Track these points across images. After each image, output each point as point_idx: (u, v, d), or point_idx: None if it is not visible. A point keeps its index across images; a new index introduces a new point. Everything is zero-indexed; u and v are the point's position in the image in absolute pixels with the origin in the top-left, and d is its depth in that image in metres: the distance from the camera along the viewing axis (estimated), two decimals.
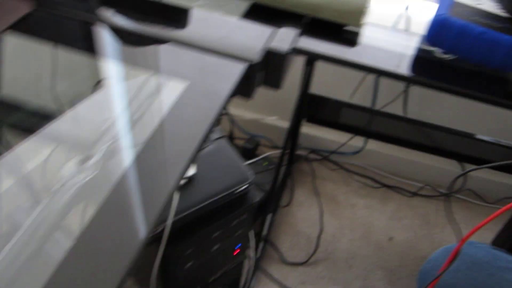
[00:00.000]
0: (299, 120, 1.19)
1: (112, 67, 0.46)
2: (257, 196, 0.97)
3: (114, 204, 0.34)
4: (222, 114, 1.35)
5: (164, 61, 0.46)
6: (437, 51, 0.51)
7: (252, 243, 1.01)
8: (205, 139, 0.40)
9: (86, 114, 0.41)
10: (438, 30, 0.49)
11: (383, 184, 1.33)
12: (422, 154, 1.12)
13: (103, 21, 0.48)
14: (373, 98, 1.19)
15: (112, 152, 0.37)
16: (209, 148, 0.91)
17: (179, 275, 0.81)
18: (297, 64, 0.92)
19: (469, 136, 1.05)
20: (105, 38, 0.47)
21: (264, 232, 1.16)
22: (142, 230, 0.33)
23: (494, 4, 0.51)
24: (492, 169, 1.12)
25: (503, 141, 1.03)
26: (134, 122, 0.40)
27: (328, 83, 1.15)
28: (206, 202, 0.79)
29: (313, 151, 1.39)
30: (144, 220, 0.34)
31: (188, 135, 0.40)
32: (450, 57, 0.51)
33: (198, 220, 0.79)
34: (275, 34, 0.50)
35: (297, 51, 0.50)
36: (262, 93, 0.50)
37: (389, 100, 1.16)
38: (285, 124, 1.25)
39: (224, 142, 0.92)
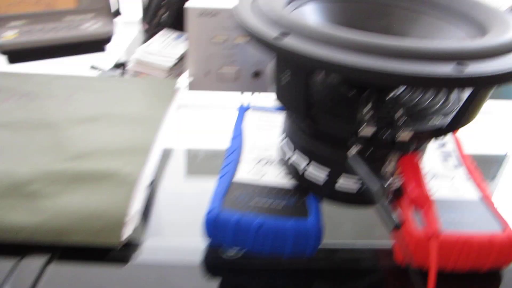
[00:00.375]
0: None
1: None
2: None
3: None
4: None
5: None
6: (225, 250, 0.42)
7: None
8: None
9: None
10: (213, 229, 0.39)
11: None
12: None
13: None
14: None
15: None
16: None
17: None
18: None
19: None
20: None
21: None
22: None
23: (279, 169, 0.44)
24: None
25: None
26: None
27: None
28: None
29: None
30: None
31: None
32: (239, 254, 0.42)
33: None
34: (11, 276, 0.37)
35: None
36: None
37: None
38: None
39: None
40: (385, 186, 0.29)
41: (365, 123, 0.30)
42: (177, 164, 0.51)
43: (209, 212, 0.39)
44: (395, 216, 0.28)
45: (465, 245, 0.36)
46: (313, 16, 0.40)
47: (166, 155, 0.51)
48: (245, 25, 0.32)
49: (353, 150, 0.32)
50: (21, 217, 0.39)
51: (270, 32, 0.30)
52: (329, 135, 0.36)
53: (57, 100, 0.54)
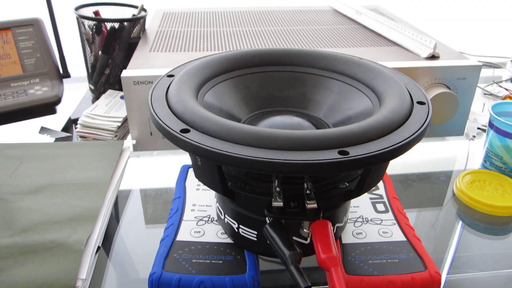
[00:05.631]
0: None
1: None
2: None
3: None
4: None
5: None
6: None
7: None
8: None
9: None
10: None
11: None
12: None
13: None
14: None
15: None
16: None
17: None
18: None
19: None
20: None
21: None
22: None
23: (218, 227, 0.47)
24: None
25: None
26: None
27: None
28: None
29: None
30: None
31: None
32: None
33: None
34: None
35: None
36: None
37: None
38: None
39: None
40: (294, 253, 0.33)
41: (276, 197, 0.34)
42: (131, 216, 0.54)
43: (151, 276, 0.42)
44: (303, 279, 0.31)
45: (390, 285, 0.40)
46: (229, 94, 0.44)
47: (120, 206, 0.54)
48: (153, 118, 0.35)
49: (267, 221, 0.36)
50: None
51: (174, 127, 0.33)
52: (249, 206, 0.39)
53: (4, 172, 0.55)
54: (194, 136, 0.32)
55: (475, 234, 0.53)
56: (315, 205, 0.34)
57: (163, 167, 0.63)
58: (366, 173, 0.35)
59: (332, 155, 0.30)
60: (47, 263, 0.43)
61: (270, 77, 0.47)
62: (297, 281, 0.31)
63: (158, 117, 0.35)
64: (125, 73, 0.58)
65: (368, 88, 0.42)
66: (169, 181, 0.59)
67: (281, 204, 0.34)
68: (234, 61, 0.45)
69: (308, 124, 0.41)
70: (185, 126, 0.34)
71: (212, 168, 0.35)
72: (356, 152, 0.30)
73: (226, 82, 0.44)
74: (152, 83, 0.57)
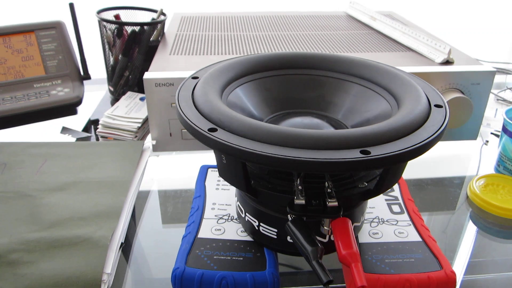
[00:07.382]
0: None
1: None
2: None
3: None
4: None
5: None
6: None
7: None
8: None
9: None
10: (180, 286, 0.43)
11: None
12: None
13: None
14: None
15: None
16: None
17: None
18: None
19: None
20: None
21: None
22: None
23: (238, 225, 0.48)
24: None
25: None
26: None
27: None
28: None
29: None
30: None
31: None
32: None
33: None
34: None
35: None
36: None
37: None
38: None
39: None
40: (316, 248, 0.34)
41: (298, 195, 0.36)
42: (150, 215, 0.56)
43: (174, 271, 0.43)
44: (325, 274, 0.32)
45: (406, 283, 0.41)
46: (251, 95, 0.46)
47: (139, 206, 0.56)
48: (181, 118, 0.37)
49: (289, 218, 0.37)
50: (6, 285, 0.42)
51: (202, 126, 0.35)
52: (270, 204, 0.41)
53: (30, 170, 0.57)
54: (221, 135, 0.34)
55: (488, 238, 0.53)
56: (335, 203, 0.35)
57: (182, 168, 0.65)
58: (385, 173, 0.36)
59: (354, 154, 0.31)
60: (74, 257, 0.45)
61: (290, 80, 0.48)
62: (319, 275, 0.32)
63: (186, 117, 0.36)
64: (147, 75, 0.59)
65: (386, 91, 0.43)
66: (188, 181, 0.61)
67: (303, 201, 0.35)
68: (256, 64, 0.47)
69: (327, 125, 0.43)
70: (212, 125, 0.35)
71: (237, 166, 0.37)
72: (377, 151, 0.32)
73: (248, 84, 0.46)
74: (173, 85, 0.59)
